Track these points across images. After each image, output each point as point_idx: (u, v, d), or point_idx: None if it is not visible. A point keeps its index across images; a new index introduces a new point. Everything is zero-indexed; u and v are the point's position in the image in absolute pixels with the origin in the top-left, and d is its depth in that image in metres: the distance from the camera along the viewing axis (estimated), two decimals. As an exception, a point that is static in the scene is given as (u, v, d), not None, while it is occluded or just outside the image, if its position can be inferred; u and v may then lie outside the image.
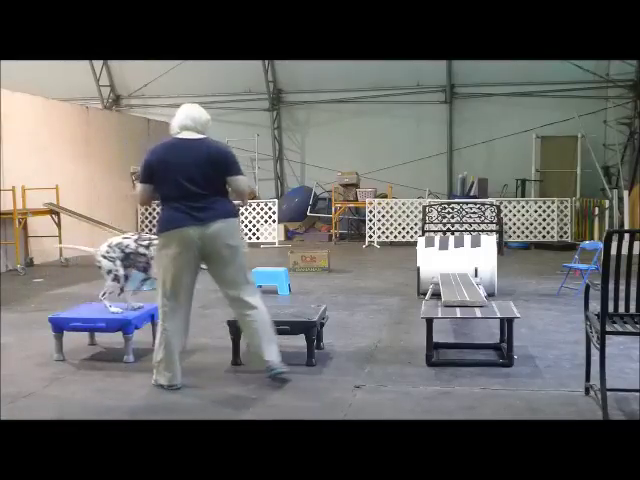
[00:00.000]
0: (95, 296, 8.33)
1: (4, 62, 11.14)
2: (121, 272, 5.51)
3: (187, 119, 4.74)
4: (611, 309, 4.10)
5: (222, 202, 4.68)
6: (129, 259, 5.53)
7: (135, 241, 5.55)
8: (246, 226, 15.15)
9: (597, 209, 14.01)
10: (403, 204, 14.73)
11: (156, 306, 5.88)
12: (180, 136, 4.71)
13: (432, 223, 13.17)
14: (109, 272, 5.54)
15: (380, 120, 16.69)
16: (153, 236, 5.46)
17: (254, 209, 15.19)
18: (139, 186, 4.77)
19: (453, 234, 12.08)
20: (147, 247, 5.48)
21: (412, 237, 14.26)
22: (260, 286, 8.62)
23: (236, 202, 4.88)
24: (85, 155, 13.59)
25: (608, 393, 3.94)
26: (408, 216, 14.66)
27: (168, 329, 4.69)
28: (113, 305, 5.57)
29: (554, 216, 14.44)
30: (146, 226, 15.34)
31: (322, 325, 5.61)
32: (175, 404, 4.44)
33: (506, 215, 14.44)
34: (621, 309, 4.19)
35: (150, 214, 15.34)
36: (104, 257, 5.57)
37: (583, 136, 15.04)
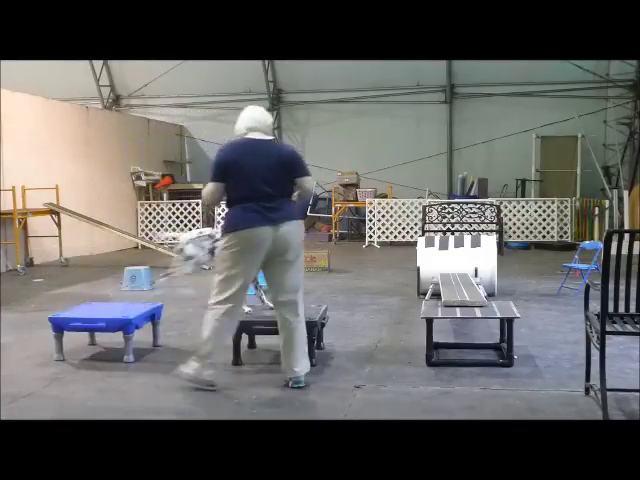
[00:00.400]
0: (95, 296, 8.34)
1: (4, 62, 11.14)
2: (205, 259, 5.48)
3: (253, 121, 4.72)
4: (611, 309, 4.10)
5: (289, 204, 4.70)
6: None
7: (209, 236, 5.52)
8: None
9: (597, 209, 14.02)
10: (403, 204, 14.74)
11: (157, 306, 5.91)
12: (250, 136, 4.68)
13: (432, 223, 13.17)
14: (190, 258, 5.46)
15: (380, 120, 16.69)
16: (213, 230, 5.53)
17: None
18: (210, 185, 4.67)
19: (453, 234, 12.08)
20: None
21: (412, 237, 14.26)
22: (260, 286, 8.66)
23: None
24: (85, 155, 13.60)
25: (608, 393, 3.94)
26: (408, 216, 14.67)
27: (225, 326, 4.64)
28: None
29: (554, 216, 14.45)
30: (146, 226, 15.34)
31: (322, 325, 5.61)
32: (175, 404, 4.44)
33: (506, 215, 14.44)
34: (621, 309, 4.19)
35: (150, 214, 15.34)
36: (189, 244, 5.49)
37: (583, 136, 15.04)
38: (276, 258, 4.65)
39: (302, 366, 4.71)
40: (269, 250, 4.59)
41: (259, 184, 4.55)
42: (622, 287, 4.07)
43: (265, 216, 4.55)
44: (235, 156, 4.62)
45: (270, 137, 4.77)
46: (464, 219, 13.26)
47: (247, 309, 5.44)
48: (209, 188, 4.69)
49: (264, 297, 5.66)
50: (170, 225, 15.26)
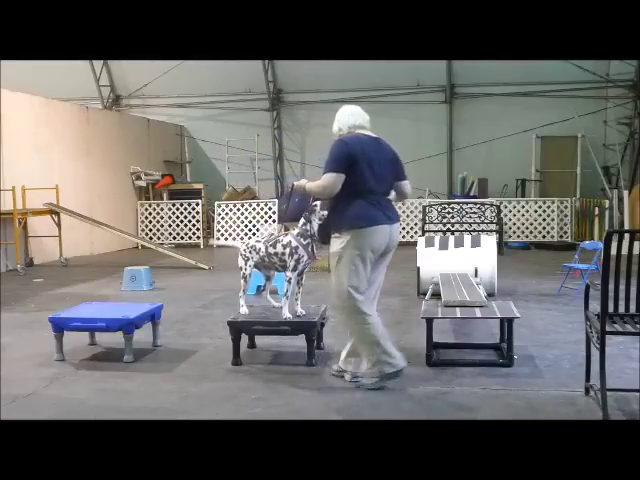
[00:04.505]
0: (95, 296, 8.34)
1: (4, 62, 11.14)
2: (247, 272, 5.41)
3: (359, 119, 4.68)
4: (611, 309, 4.10)
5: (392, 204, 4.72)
6: (265, 261, 5.39)
7: (264, 243, 5.39)
8: (246, 226, 15.16)
9: (597, 209, 14.01)
10: (403, 204, 14.73)
11: (157, 306, 5.91)
12: (363, 132, 4.63)
13: (432, 223, 13.17)
14: (240, 269, 5.47)
15: (380, 120, 16.44)
16: (278, 234, 5.43)
17: (254, 209, 15.20)
18: (332, 175, 4.48)
19: (453, 234, 12.08)
20: (274, 246, 5.28)
21: (412, 237, 14.26)
22: (260, 286, 8.65)
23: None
24: (85, 155, 13.60)
25: (608, 393, 3.94)
26: (408, 216, 14.67)
27: (370, 321, 4.57)
28: (245, 305, 5.46)
29: (554, 216, 14.45)
30: (146, 226, 15.34)
31: (322, 325, 5.61)
32: (175, 404, 4.44)
33: (506, 215, 14.44)
34: (621, 309, 4.19)
35: (150, 214, 15.34)
36: (240, 254, 5.48)
37: (583, 136, 15.04)
38: (381, 257, 4.64)
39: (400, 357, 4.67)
40: (384, 248, 4.59)
41: (380, 180, 4.53)
42: (622, 287, 4.07)
43: (385, 214, 4.55)
44: (361, 150, 4.50)
45: (378, 136, 4.69)
46: (464, 219, 13.26)
47: (245, 310, 5.43)
48: (334, 179, 4.47)
49: (270, 299, 5.65)
50: (170, 225, 15.26)
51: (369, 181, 4.49)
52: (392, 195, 4.74)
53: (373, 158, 4.52)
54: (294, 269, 5.20)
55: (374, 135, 4.68)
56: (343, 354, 4.88)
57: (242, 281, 5.45)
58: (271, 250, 5.29)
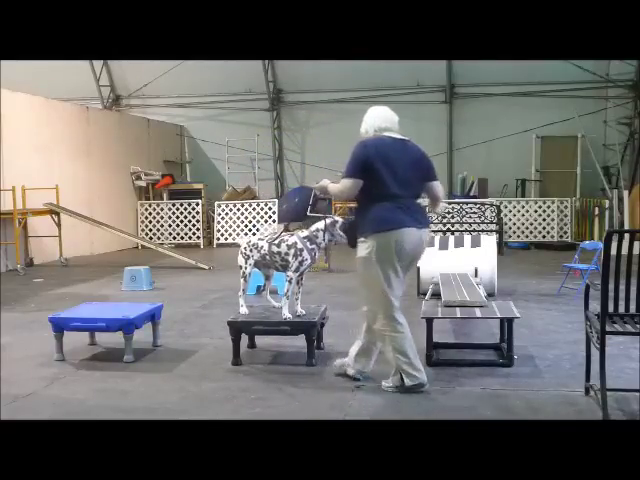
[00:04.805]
0: (95, 296, 8.34)
1: (4, 62, 11.14)
2: (248, 271, 5.39)
3: (387, 121, 4.63)
4: (611, 309, 4.10)
5: (422, 207, 4.66)
6: (265, 260, 5.36)
7: (267, 242, 5.35)
8: (246, 226, 15.16)
9: (597, 209, 14.01)
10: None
11: (157, 306, 5.91)
12: (389, 134, 4.58)
13: (432, 223, 13.16)
14: (240, 268, 5.44)
15: (380, 120, 16.66)
16: (284, 234, 5.35)
17: (254, 209, 15.20)
18: (349, 180, 4.48)
19: (453, 234, 12.08)
20: (278, 245, 5.26)
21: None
22: (260, 286, 8.66)
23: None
24: (85, 155, 13.60)
25: (608, 393, 3.94)
26: (408, 216, 14.64)
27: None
28: (245, 305, 5.43)
29: (554, 216, 14.45)
30: (146, 226, 15.34)
31: (322, 325, 5.61)
32: (175, 404, 4.44)
33: (506, 215, 14.44)
34: (621, 309, 4.19)
35: (150, 214, 15.34)
36: (241, 253, 5.44)
37: (583, 136, 15.04)
38: (407, 261, 4.53)
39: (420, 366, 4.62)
40: (411, 251, 4.50)
41: (404, 183, 4.46)
42: (622, 287, 4.07)
43: (412, 217, 4.46)
44: (378, 153, 4.46)
45: (406, 137, 4.63)
46: (464, 219, 13.26)
47: (244, 311, 5.42)
48: (350, 184, 4.47)
49: (270, 298, 5.66)
50: (170, 225, 15.26)
51: (391, 184, 4.43)
52: (425, 200, 4.66)
53: (394, 161, 4.45)
54: (296, 270, 5.20)
55: (400, 137, 4.59)
56: (353, 351, 4.83)
57: (242, 280, 5.44)
58: (274, 249, 5.28)
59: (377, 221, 4.44)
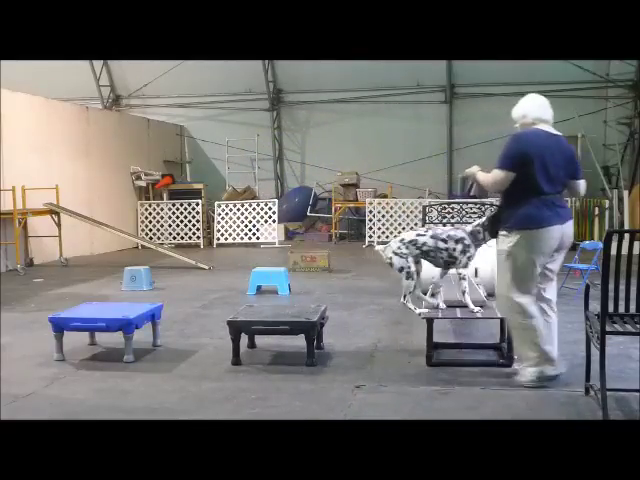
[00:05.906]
0: (95, 296, 8.35)
1: (4, 62, 11.14)
2: (413, 269, 5.32)
3: (546, 112, 4.59)
4: (611, 309, 4.09)
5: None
6: (428, 256, 5.33)
7: (432, 237, 5.29)
8: (246, 226, 15.17)
9: (597, 209, 14.01)
10: (403, 204, 14.73)
11: (157, 306, 5.91)
12: (543, 128, 4.55)
13: (432, 223, 13.15)
14: (401, 270, 5.34)
15: (380, 120, 16.69)
16: (448, 229, 5.36)
17: (254, 209, 15.20)
18: (502, 172, 4.49)
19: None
20: (445, 241, 5.24)
21: (412, 237, 14.24)
22: (260, 286, 8.66)
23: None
24: (85, 155, 13.60)
25: (608, 393, 3.94)
26: (408, 216, 14.67)
27: (533, 323, 4.52)
28: (428, 298, 5.40)
29: (554, 216, 14.43)
30: (146, 226, 15.33)
31: (322, 325, 5.61)
32: (175, 404, 4.44)
33: (506, 215, 14.41)
34: (621, 309, 4.19)
35: (150, 214, 15.33)
36: (395, 254, 5.35)
37: (583, 136, 15.02)
38: (547, 256, 4.54)
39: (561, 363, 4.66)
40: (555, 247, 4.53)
41: (554, 181, 4.46)
42: (622, 287, 4.07)
43: (558, 214, 4.48)
44: (537, 149, 4.43)
45: (559, 132, 4.60)
46: (464, 219, 13.24)
47: (423, 310, 5.35)
48: (502, 177, 4.49)
49: (422, 295, 5.60)
50: (170, 225, 15.26)
51: (542, 182, 4.43)
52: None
53: (549, 158, 4.43)
54: (465, 266, 5.23)
55: (554, 132, 4.57)
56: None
57: (409, 281, 5.30)
58: (441, 245, 5.24)
59: (524, 218, 4.46)
